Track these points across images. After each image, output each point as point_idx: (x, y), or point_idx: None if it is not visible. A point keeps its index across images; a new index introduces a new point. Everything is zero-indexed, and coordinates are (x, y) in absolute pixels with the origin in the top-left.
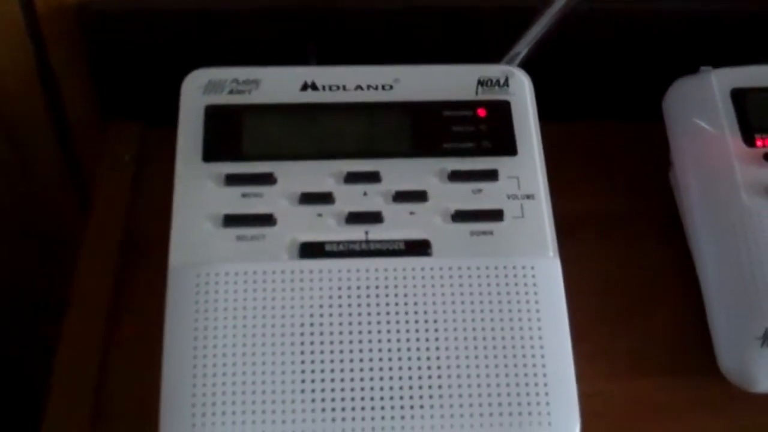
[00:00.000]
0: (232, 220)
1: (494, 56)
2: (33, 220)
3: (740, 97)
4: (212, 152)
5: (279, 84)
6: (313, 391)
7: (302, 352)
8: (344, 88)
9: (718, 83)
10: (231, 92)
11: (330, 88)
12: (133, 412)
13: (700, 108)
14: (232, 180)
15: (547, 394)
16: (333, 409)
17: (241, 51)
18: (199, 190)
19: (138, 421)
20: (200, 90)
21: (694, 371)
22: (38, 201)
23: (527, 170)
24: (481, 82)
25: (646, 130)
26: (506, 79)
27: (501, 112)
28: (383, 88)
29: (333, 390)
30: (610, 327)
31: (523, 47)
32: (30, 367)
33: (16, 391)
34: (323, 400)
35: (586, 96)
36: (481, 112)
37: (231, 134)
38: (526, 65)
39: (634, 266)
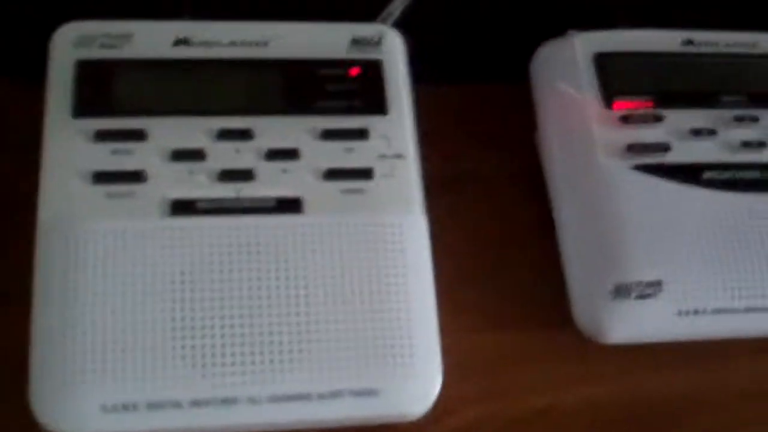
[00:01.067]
0: (101, 177)
1: (370, 15)
2: None
3: (602, 61)
4: (82, 108)
5: (151, 39)
6: (183, 347)
7: (173, 310)
8: (218, 44)
9: (582, 47)
10: (102, 46)
11: (203, 44)
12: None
13: (564, 71)
14: (102, 136)
15: (411, 346)
16: (203, 365)
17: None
18: (68, 147)
19: (6, 379)
20: (71, 44)
21: (551, 325)
22: None
23: (397, 130)
24: (354, 41)
25: (518, 92)
26: (380, 39)
27: (373, 71)
28: (257, 44)
29: (204, 347)
30: (476, 283)
31: (396, 7)
32: None
33: None
34: (193, 356)
35: (458, 58)
36: (354, 72)
37: (102, 90)
38: (400, 25)
39: (501, 225)
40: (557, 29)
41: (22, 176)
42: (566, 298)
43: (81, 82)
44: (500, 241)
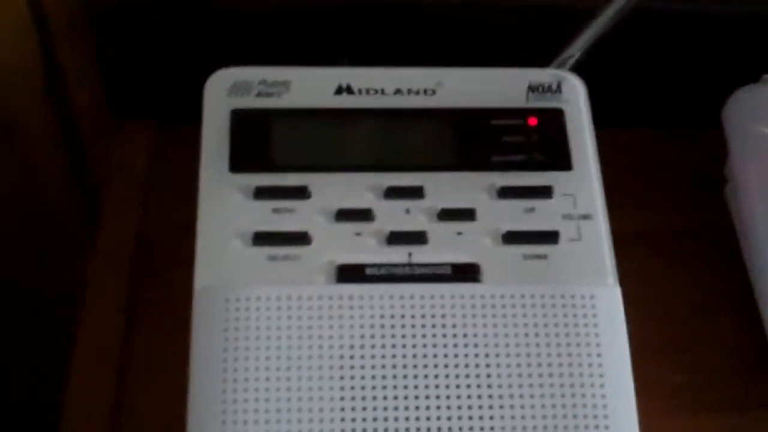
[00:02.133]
0: (262, 238)
1: (543, 59)
2: (35, 224)
3: None
4: (240, 162)
5: (311, 86)
6: (352, 421)
7: (340, 386)
8: (382, 92)
9: None
10: (259, 95)
11: (367, 92)
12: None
13: (763, 118)
14: (262, 193)
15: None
16: None
17: (265, 48)
18: (226, 204)
19: None
20: (225, 92)
21: (753, 406)
22: (41, 205)
23: (584, 187)
24: (531, 88)
25: (701, 139)
26: (559, 85)
27: (554, 120)
28: (425, 92)
29: (375, 422)
30: (667, 359)
31: (576, 50)
32: (39, 377)
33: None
34: None
35: (636, 103)
36: (532, 121)
37: (260, 142)
38: (578, 69)
39: (690, 291)
40: (747, 75)
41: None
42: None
43: (237, 134)
44: (686, 311)
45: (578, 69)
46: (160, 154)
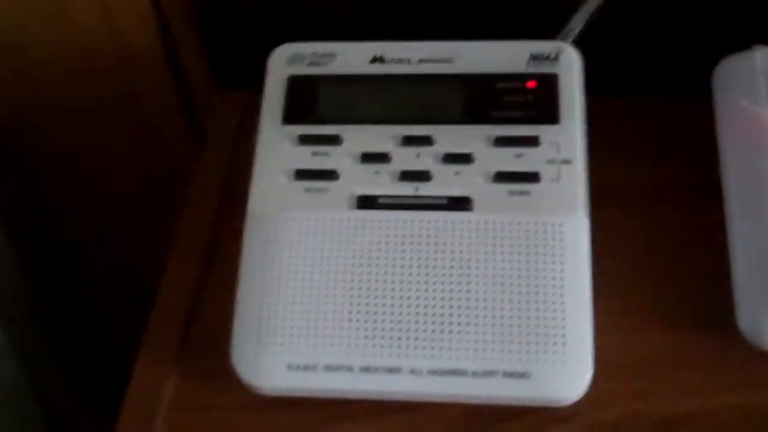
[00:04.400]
0: (302, 175)
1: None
2: (157, 177)
3: None
4: (290, 116)
5: (352, 57)
6: (358, 320)
7: (352, 288)
8: (409, 61)
9: (764, 62)
10: (310, 64)
11: (396, 61)
12: (216, 334)
13: (746, 87)
14: (304, 140)
15: (564, 335)
16: (374, 337)
17: (322, 27)
18: (277, 148)
19: (219, 342)
20: (285, 62)
21: (712, 329)
22: (162, 163)
23: (567, 137)
24: (533, 57)
25: (696, 106)
26: (557, 54)
27: (548, 84)
28: (444, 61)
29: (375, 321)
30: (642, 287)
31: (576, 24)
32: (135, 303)
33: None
34: (366, 329)
35: (635, 71)
36: (531, 84)
37: (308, 100)
38: (581, 43)
39: (669, 234)
40: (738, 45)
41: (239, 172)
42: (731, 305)
43: (291, 94)
44: (667, 250)
45: (581, 42)
46: (250, 118)
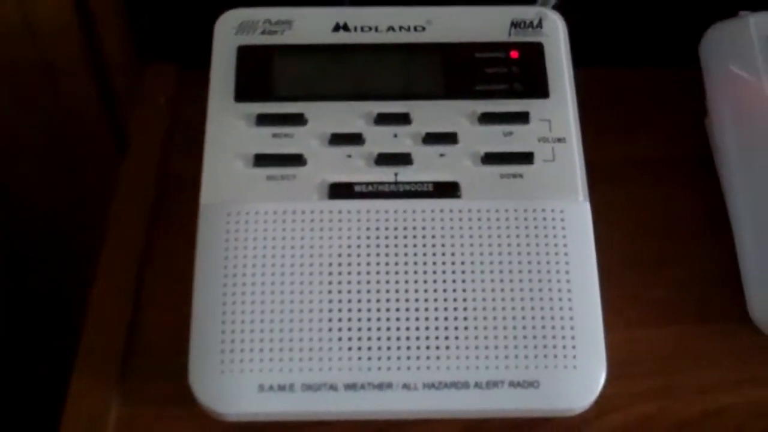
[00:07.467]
0: (262, 160)
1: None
2: (70, 159)
3: None
4: (244, 92)
5: (311, 24)
6: (339, 330)
7: (330, 292)
8: (376, 29)
9: (756, 28)
10: (263, 33)
11: (362, 29)
12: (165, 348)
13: (737, 54)
14: (263, 120)
15: (573, 337)
16: (359, 348)
17: None
18: (230, 130)
19: (169, 358)
20: (233, 30)
21: (725, 321)
22: (75, 142)
23: (559, 113)
24: (514, 24)
25: (684, 75)
26: (540, 21)
27: (533, 53)
28: (415, 29)
29: (359, 330)
30: (642, 276)
31: None
32: (63, 304)
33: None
34: (349, 339)
35: (621, 40)
36: (514, 54)
37: (263, 74)
38: (561, 8)
39: (668, 214)
40: (725, 11)
41: (185, 157)
42: (741, 292)
43: (243, 67)
44: (667, 231)
45: (562, 8)
46: (180, 93)
